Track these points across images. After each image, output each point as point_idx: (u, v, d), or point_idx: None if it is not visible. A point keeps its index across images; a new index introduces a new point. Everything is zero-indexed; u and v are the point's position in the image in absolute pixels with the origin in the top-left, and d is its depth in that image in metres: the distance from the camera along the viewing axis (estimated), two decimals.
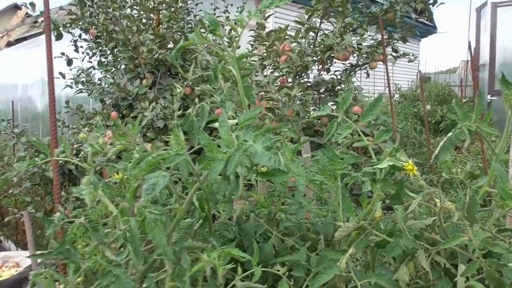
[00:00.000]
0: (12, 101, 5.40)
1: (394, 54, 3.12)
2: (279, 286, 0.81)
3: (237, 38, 0.95)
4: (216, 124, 0.91)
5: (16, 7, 18.17)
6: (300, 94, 2.76)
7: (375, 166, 0.76)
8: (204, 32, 1.01)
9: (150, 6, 3.49)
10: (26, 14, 9.76)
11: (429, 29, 11.93)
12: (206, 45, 1.03)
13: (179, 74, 3.55)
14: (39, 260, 1.81)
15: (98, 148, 0.92)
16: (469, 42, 3.90)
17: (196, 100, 1.25)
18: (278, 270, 0.75)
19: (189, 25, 3.56)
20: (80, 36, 3.58)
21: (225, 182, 0.73)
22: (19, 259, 3.29)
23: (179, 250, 0.73)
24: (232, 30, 1.00)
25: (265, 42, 2.89)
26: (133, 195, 0.77)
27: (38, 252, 0.79)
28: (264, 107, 2.62)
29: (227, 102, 0.96)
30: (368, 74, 3.20)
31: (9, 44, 10.20)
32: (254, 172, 0.80)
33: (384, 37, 2.95)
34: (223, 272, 0.68)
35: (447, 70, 15.29)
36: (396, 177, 0.83)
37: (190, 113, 0.97)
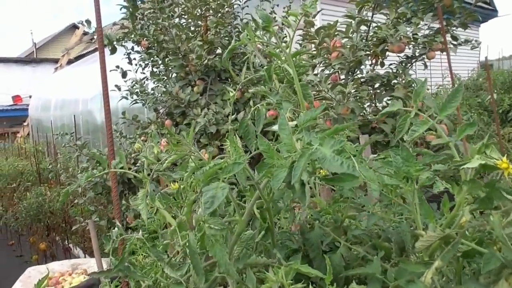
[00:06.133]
0: (74, 115, 5.70)
1: (454, 42, 2.90)
2: None
3: (291, 34, 0.89)
4: (274, 127, 0.85)
5: (74, 27, 19.40)
6: (354, 90, 2.64)
7: (463, 166, 0.66)
8: (256, 31, 0.96)
9: (198, 14, 3.52)
10: (83, 32, 10.34)
11: (489, 13, 11.19)
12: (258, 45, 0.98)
13: (229, 79, 3.55)
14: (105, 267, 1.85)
15: (153, 160, 0.89)
16: None
17: (251, 103, 1.20)
18: None
19: (236, 29, 3.55)
20: (132, 48, 3.69)
21: (288, 190, 0.67)
22: (86, 266, 3.44)
23: (243, 268, 0.67)
24: (284, 28, 0.94)
25: (314, 40, 2.79)
26: (191, 209, 0.73)
27: (97, 271, 0.77)
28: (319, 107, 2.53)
29: (284, 103, 0.90)
30: (425, 65, 3.00)
31: (69, 62, 10.86)
32: (319, 178, 0.73)
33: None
34: None
35: (510, 56, 14.20)
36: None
37: (245, 118, 0.91)
